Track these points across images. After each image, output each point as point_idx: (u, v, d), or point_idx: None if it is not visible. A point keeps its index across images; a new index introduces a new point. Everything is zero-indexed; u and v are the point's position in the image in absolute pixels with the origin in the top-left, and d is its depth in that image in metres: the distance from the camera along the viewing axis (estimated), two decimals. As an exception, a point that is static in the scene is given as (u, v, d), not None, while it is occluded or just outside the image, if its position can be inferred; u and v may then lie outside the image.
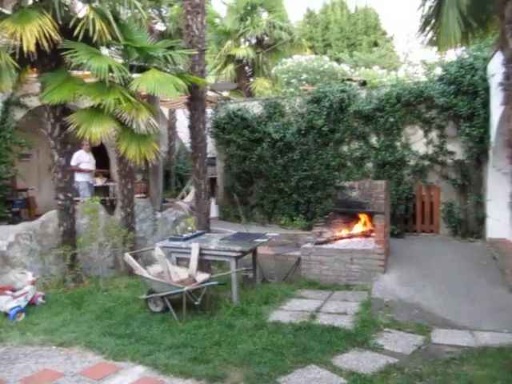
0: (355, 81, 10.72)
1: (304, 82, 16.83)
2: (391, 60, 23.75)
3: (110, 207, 8.27)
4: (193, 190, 9.97)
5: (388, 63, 21.92)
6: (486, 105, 7.29)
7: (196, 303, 5.12)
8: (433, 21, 4.17)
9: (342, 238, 7.25)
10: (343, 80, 10.50)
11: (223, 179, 10.56)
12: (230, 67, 12.39)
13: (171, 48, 6.80)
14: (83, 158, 8.78)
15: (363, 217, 7.42)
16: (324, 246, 6.87)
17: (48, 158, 10.47)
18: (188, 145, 13.69)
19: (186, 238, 6.15)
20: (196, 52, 6.83)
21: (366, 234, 7.35)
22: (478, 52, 7.36)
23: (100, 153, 9.95)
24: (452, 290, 5.83)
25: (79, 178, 8.85)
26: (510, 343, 4.30)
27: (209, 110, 9.91)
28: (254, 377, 3.75)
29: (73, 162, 8.72)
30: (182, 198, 10.56)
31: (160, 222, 7.58)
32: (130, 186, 6.84)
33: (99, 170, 9.50)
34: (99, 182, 9.32)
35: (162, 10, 12.64)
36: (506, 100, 3.72)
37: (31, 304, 5.63)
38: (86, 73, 6.66)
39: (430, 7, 4.13)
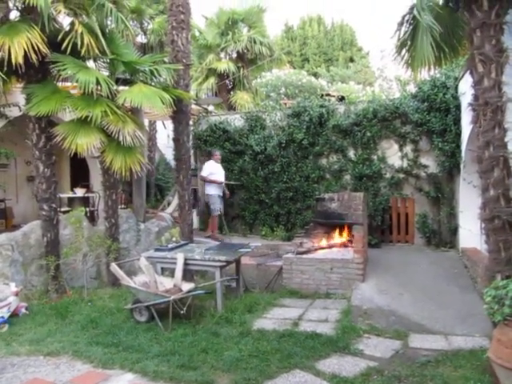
0: (333, 96, 11.09)
1: (283, 96, 17.23)
2: (366, 75, 24.49)
3: (91, 218, 8.27)
4: (175, 201, 10.08)
5: (363, 78, 22.61)
6: (457, 121, 7.72)
7: (182, 312, 5.22)
8: (408, 43, 4.48)
9: (322, 248, 7.47)
10: (322, 95, 10.86)
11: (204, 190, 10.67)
12: (212, 80, 12.61)
13: (155, 62, 6.96)
14: (214, 169, 8.74)
15: (342, 228, 7.68)
16: (305, 256, 7.08)
17: (26, 168, 10.47)
18: (167, 156, 13.83)
19: (171, 249, 6.26)
20: (181, 67, 7.02)
21: (344, 244, 7.59)
22: (449, 72, 7.80)
23: (78, 164, 9.94)
24: (427, 297, 6.10)
25: (210, 190, 8.93)
26: (481, 346, 4.56)
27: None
28: (241, 382, 3.88)
29: (204, 173, 8.77)
30: (163, 208, 10.62)
31: (143, 232, 7.64)
32: (115, 196, 6.90)
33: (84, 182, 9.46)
34: (79, 192, 9.30)
35: (143, 22, 12.80)
36: (475, 119, 4.03)
37: (14, 315, 5.60)
38: (68, 84, 6.78)
39: (406, 32, 4.43)
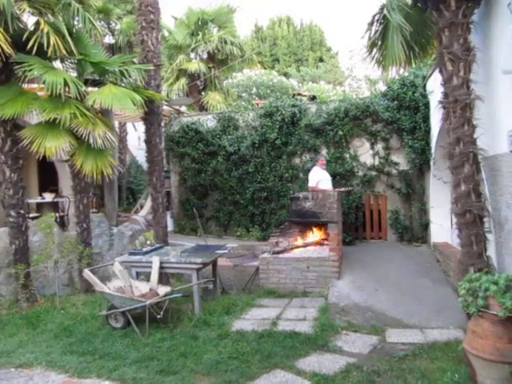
0: (305, 95, 11.17)
1: (254, 96, 17.24)
2: (336, 75, 24.81)
3: (60, 224, 8.02)
4: (148, 204, 9.93)
5: (333, 78, 22.89)
6: (426, 119, 7.90)
7: (158, 316, 5.13)
8: (379, 43, 4.55)
9: (297, 247, 7.50)
10: (294, 95, 10.92)
11: (178, 192, 10.57)
12: (182, 81, 12.47)
13: (125, 62, 6.82)
14: (321, 176, 7.82)
15: (317, 226, 7.74)
16: (281, 256, 7.09)
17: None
18: (138, 158, 13.61)
19: (146, 252, 6.15)
20: (152, 67, 6.90)
21: (320, 243, 7.65)
22: (417, 71, 7.98)
23: (47, 168, 9.64)
24: (401, 291, 6.21)
25: None
26: (456, 338, 4.68)
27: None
28: (221, 384, 3.85)
29: (311, 182, 7.80)
30: (136, 212, 10.44)
31: (116, 236, 7.47)
32: (86, 201, 6.72)
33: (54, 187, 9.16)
34: (48, 197, 9.01)
35: (110, 22, 12.54)
36: (445, 116, 4.13)
37: (-18, 327, 5.39)
38: (34, 86, 6.55)
39: (376, 31, 4.50)
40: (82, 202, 6.67)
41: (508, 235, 3.90)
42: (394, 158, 8.92)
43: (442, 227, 7.95)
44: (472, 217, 3.97)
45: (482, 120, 4.06)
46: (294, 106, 9.35)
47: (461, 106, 3.97)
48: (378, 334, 5.01)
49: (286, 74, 22.68)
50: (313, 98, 10.88)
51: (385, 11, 4.05)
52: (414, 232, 8.81)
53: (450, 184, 7.67)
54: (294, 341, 4.80)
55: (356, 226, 9.25)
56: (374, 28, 4.52)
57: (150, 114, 7.06)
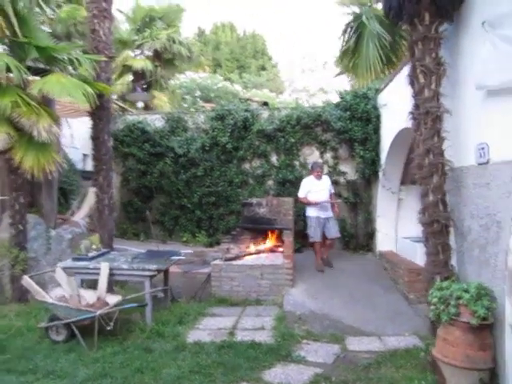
0: (255, 101, 11.11)
1: (198, 99, 16.93)
2: (277, 84, 25.20)
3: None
4: (85, 206, 9.24)
5: (275, 87, 23.21)
6: (377, 131, 8.14)
7: (108, 328, 4.69)
8: (351, 52, 4.56)
9: (250, 254, 7.34)
10: (246, 100, 10.82)
11: (120, 194, 9.96)
12: (127, 78, 11.87)
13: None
14: (313, 187, 7.37)
15: (270, 233, 7.64)
16: (234, 263, 6.88)
17: None
18: (71, 156, 12.72)
19: (92, 258, 5.65)
20: (105, 58, 6.42)
21: (272, 250, 7.55)
22: (370, 84, 8.22)
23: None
24: (355, 299, 6.27)
25: (308, 211, 7.53)
26: (414, 345, 4.77)
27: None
28: (188, 402, 3.56)
29: (300, 193, 7.49)
30: (72, 214, 9.66)
31: (54, 240, 6.81)
32: (23, 200, 6.05)
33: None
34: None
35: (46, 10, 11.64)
36: (416, 127, 4.21)
37: None
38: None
39: (350, 39, 4.50)
40: (18, 200, 5.99)
41: (471, 245, 4.03)
42: (342, 167, 9.10)
43: (388, 236, 8.22)
44: (439, 226, 4.07)
45: (448, 133, 4.20)
46: (246, 110, 9.24)
47: (432, 117, 4.08)
48: (339, 343, 4.98)
49: (228, 80, 22.58)
50: (264, 104, 10.85)
51: (363, 19, 4.06)
52: (360, 240, 9.02)
53: (397, 194, 8.01)
54: (257, 351, 4.62)
55: (304, 233, 9.28)
56: (347, 36, 4.52)
57: (99, 109, 6.55)
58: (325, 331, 5.35)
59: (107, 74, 6.69)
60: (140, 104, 11.06)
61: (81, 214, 9.14)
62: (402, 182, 8.05)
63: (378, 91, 8.00)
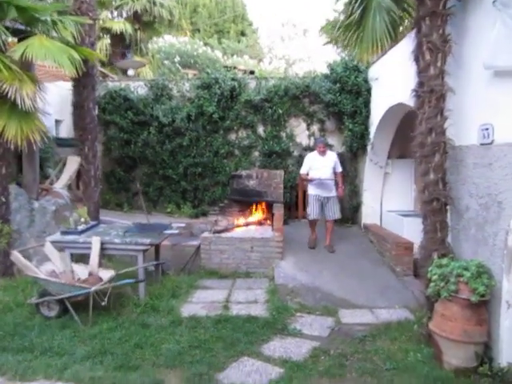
0: (241, 70, 10.82)
1: (177, 65, 16.36)
2: (257, 51, 24.58)
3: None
4: (65, 175, 8.94)
5: (255, 54, 22.65)
6: (367, 104, 8.10)
7: (103, 303, 4.63)
8: (355, 25, 4.43)
9: (238, 227, 7.33)
10: (232, 68, 10.51)
11: (101, 164, 9.62)
12: (106, 41, 11.30)
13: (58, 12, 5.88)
14: (314, 163, 6.94)
15: (259, 205, 7.61)
16: (224, 235, 6.86)
17: None
18: (46, 123, 12.20)
19: (82, 231, 5.50)
20: (89, 21, 6.04)
21: (260, 222, 7.56)
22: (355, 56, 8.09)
23: None
24: (344, 272, 6.39)
25: (309, 189, 7.14)
26: (406, 317, 4.93)
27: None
28: (192, 378, 3.58)
29: (302, 169, 7.11)
30: (51, 183, 9.34)
31: (37, 212, 6.57)
32: (5, 170, 5.77)
33: None
34: None
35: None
36: (420, 105, 4.18)
37: None
38: None
39: (354, 12, 4.36)
40: (-1, 171, 5.72)
41: (468, 223, 4.12)
42: (329, 140, 9.06)
43: (373, 209, 8.35)
44: (439, 204, 4.12)
45: (450, 111, 4.19)
46: (233, 79, 8.99)
47: (436, 96, 4.04)
48: (332, 316, 5.09)
49: (206, 45, 21.88)
50: (251, 73, 10.58)
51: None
52: (345, 213, 9.08)
53: (384, 168, 8.08)
54: (254, 325, 4.67)
55: (289, 205, 9.31)
56: (350, 9, 4.37)
57: (84, 76, 6.21)
58: (317, 304, 5.45)
59: (91, 38, 6.34)
60: (131, 72, 10.59)
61: (60, 183, 8.84)
62: (389, 157, 8.11)
63: (369, 64, 7.92)
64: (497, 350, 3.65)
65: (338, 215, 7.22)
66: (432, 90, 4.04)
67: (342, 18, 4.42)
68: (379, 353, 4.08)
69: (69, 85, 9.67)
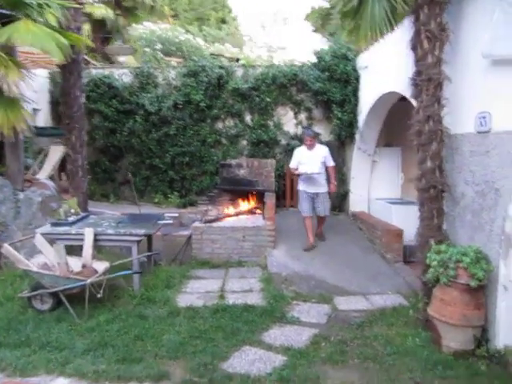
0: (226, 57, 10.68)
1: (159, 53, 16.02)
2: (236, 39, 24.31)
3: None
4: (48, 165, 8.72)
5: (236, 42, 22.39)
6: (355, 93, 8.12)
7: (99, 296, 4.55)
8: (353, 13, 4.41)
9: (229, 216, 7.30)
10: (218, 55, 10.36)
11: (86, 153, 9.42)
12: (87, 27, 10.95)
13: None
14: (302, 158, 6.58)
15: (249, 194, 7.59)
16: (215, 225, 6.82)
17: None
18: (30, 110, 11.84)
19: (73, 223, 5.38)
20: (76, 5, 5.83)
21: (251, 211, 7.54)
22: (350, 44, 8.09)
23: None
24: (336, 260, 6.44)
25: (299, 185, 6.87)
26: (399, 303, 5.02)
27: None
28: (197, 368, 3.56)
29: (291, 164, 6.79)
30: (34, 173, 9.08)
31: (23, 203, 6.37)
32: (-10, 161, 5.58)
33: None
34: None
35: None
36: (417, 94, 4.21)
37: None
38: None
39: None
40: (-16, 162, 5.51)
41: (463, 210, 4.20)
42: (317, 128, 9.07)
43: (361, 197, 8.42)
44: (435, 192, 4.19)
45: (447, 100, 4.24)
46: (221, 67, 8.88)
47: (434, 84, 4.08)
48: (328, 303, 5.14)
49: (188, 32, 21.49)
50: (237, 61, 10.45)
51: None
52: (332, 201, 9.14)
53: (372, 156, 8.14)
54: (252, 314, 4.69)
55: (278, 194, 9.31)
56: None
57: (71, 62, 6.01)
58: (312, 291, 5.50)
59: (77, 23, 6.13)
60: (122, 58, 10.29)
61: (43, 174, 8.62)
62: (376, 145, 8.17)
63: (358, 53, 7.93)
64: (493, 332, 3.75)
65: (327, 212, 6.90)
66: (430, 79, 4.08)
67: (339, 5, 4.37)
68: (378, 338, 4.15)
69: (46, 72, 9.44)
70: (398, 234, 6.62)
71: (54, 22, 5.81)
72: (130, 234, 5.14)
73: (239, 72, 9.12)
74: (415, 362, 3.68)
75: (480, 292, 3.72)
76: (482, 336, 3.80)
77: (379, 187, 8.28)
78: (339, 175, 8.93)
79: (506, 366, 3.56)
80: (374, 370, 3.60)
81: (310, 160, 6.53)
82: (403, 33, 4.70)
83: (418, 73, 4.16)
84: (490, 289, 3.77)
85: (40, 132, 8.70)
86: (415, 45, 4.17)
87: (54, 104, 9.55)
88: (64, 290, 4.46)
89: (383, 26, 4.07)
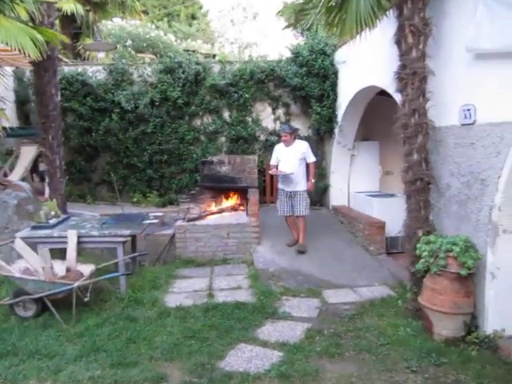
0: (202, 54, 10.56)
1: (129, 49, 15.70)
2: (207, 35, 24.08)
3: None
4: (19, 166, 8.42)
5: (207, 38, 22.18)
6: (334, 87, 8.17)
7: (86, 299, 4.43)
8: (337, 6, 4.43)
9: (212, 214, 7.23)
10: (193, 51, 10.22)
11: (59, 153, 9.13)
12: (56, 23, 10.53)
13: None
14: (280, 155, 6.47)
15: (231, 191, 7.54)
16: (199, 223, 6.75)
17: None
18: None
19: (54, 225, 5.20)
20: (52, 0, 5.63)
21: (234, 208, 7.50)
22: (327, 39, 8.13)
23: None
24: (320, 254, 6.49)
25: (278, 183, 6.77)
26: (387, 294, 5.11)
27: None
28: (194, 369, 3.52)
29: (271, 161, 6.69)
30: (5, 175, 8.74)
31: (-2, 207, 6.14)
32: (-38, 163, 5.31)
33: None
34: None
35: None
36: (403, 88, 4.27)
37: None
38: None
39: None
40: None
41: (449, 200, 4.30)
42: (294, 123, 9.07)
43: (341, 191, 8.51)
44: (422, 184, 4.27)
45: (431, 93, 4.32)
46: (197, 63, 8.76)
47: (419, 78, 4.15)
48: (317, 297, 5.18)
49: (158, 28, 21.13)
50: (213, 57, 10.35)
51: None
52: (312, 196, 9.19)
53: (351, 151, 8.23)
54: (243, 311, 4.67)
55: (259, 190, 9.30)
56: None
57: (45, 59, 5.79)
58: (300, 286, 5.52)
59: (51, 19, 5.91)
60: (101, 54, 9.98)
61: (16, 176, 8.31)
62: (354, 139, 8.27)
63: (336, 47, 7.98)
64: (482, 318, 3.87)
65: (305, 212, 6.48)
66: (415, 73, 4.14)
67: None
68: (370, 329, 4.21)
69: (9, 70, 9.07)
70: (381, 226, 6.73)
71: (25, 18, 5.60)
72: (115, 235, 5.01)
73: (216, 68, 9.03)
74: (409, 351, 3.75)
75: (469, 280, 3.82)
76: (472, 322, 3.91)
77: (358, 181, 8.39)
78: (319, 170, 8.99)
79: (495, 350, 3.68)
80: (371, 360, 3.65)
81: (288, 157, 6.34)
82: (382, 27, 4.78)
83: (403, 67, 4.22)
84: (479, 277, 3.87)
85: (7, 132, 8.37)
86: (399, 39, 4.23)
87: (20, 103, 9.26)
88: (49, 295, 4.32)
89: (368, 19, 4.10)
